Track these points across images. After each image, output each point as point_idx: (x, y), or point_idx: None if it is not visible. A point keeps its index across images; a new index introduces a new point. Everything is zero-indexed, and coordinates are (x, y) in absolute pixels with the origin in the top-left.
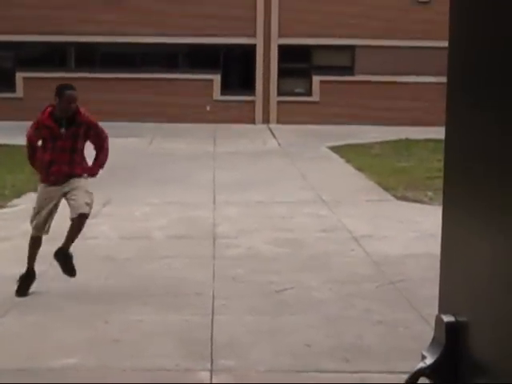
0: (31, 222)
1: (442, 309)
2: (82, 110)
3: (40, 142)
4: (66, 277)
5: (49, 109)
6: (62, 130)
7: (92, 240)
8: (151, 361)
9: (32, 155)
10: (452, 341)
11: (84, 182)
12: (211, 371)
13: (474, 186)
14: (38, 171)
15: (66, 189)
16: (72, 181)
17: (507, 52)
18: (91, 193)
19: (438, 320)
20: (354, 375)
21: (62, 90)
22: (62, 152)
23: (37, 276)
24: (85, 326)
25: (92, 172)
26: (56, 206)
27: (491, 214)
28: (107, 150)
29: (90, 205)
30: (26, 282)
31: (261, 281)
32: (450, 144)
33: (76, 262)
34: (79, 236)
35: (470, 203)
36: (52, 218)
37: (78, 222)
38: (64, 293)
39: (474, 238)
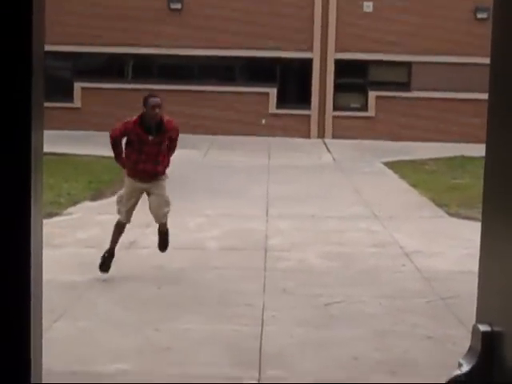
0: (118, 210)
1: (479, 318)
2: (166, 117)
3: (124, 141)
4: (117, 285)
5: (136, 118)
6: (150, 138)
7: (145, 249)
8: (200, 369)
9: (117, 152)
10: (487, 349)
11: (164, 185)
12: (259, 381)
13: None
14: (124, 166)
15: (150, 189)
16: (155, 182)
17: None
18: (168, 201)
19: (475, 329)
20: None
21: (147, 98)
22: (148, 155)
23: (90, 284)
24: (136, 333)
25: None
26: (138, 200)
27: None
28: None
29: (167, 214)
30: (108, 260)
31: (311, 294)
32: (490, 155)
33: (129, 270)
34: (133, 245)
35: (508, 216)
36: (134, 209)
37: (162, 229)
38: (116, 300)
39: (511, 250)
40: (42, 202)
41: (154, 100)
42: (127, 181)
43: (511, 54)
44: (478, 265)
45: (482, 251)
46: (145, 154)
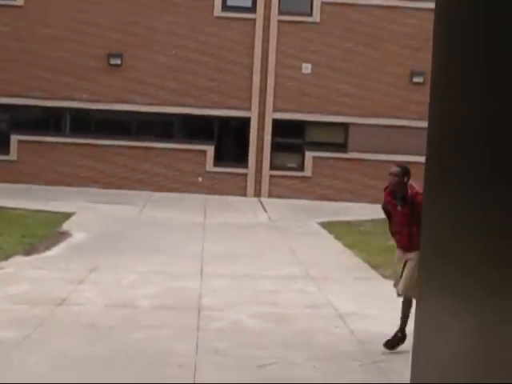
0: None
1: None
2: (414, 189)
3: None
4: (47, 343)
5: (387, 186)
6: (399, 208)
7: (77, 307)
8: None
9: (388, 219)
10: None
11: (416, 260)
12: None
13: (448, 263)
14: (392, 235)
15: (408, 259)
16: (412, 254)
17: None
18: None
19: None
20: None
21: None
22: (401, 226)
23: (19, 342)
24: None
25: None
26: (403, 270)
27: (461, 293)
28: None
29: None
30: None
31: (244, 355)
32: (428, 223)
33: (60, 328)
34: (65, 302)
35: (443, 280)
36: (400, 280)
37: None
38: (46, 359)
39: (444, 316)
40: None
41: (392, 168)
42: (396, 250)
43: (447, 123)
44: (414, 331)
45: (416, 321)
46: (398, 225)
